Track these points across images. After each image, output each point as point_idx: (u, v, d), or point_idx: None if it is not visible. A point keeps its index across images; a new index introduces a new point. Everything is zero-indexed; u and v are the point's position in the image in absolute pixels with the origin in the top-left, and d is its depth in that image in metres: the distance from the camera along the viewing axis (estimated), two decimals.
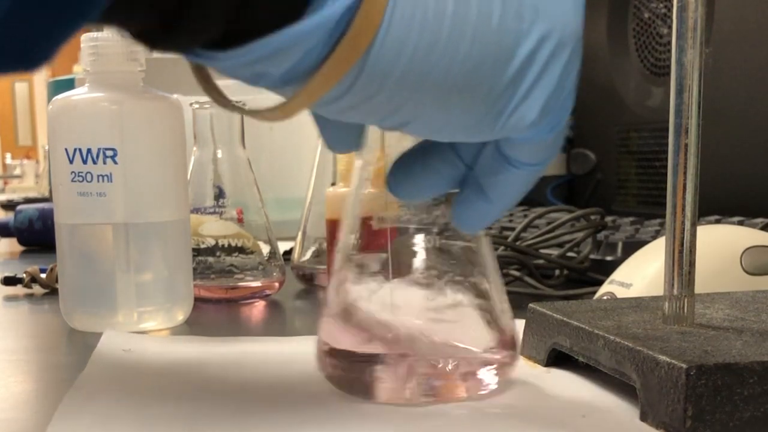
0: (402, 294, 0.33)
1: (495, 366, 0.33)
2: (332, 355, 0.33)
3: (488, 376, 0.33)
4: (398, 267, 0.33)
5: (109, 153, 0.46)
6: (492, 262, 0.34)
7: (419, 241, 0.33)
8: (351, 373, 0.33)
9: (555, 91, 0.26)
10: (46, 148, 1.51)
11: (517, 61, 0.25)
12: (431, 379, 0.32)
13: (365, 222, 0.34)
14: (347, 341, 0.33)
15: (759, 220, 0.61)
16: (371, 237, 0.34)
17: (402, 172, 0.31)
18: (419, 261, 0.33)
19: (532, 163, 0.29)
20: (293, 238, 0.65)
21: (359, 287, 0.34)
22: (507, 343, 0.34)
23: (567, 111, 0.28)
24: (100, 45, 0.47)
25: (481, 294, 0.34)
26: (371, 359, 0.32)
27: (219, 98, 0.28)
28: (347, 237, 0.34)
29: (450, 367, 0.32)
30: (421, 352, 0.32)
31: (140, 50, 0.48)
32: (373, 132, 0.34)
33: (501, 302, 0.34)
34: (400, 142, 0.33)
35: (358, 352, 0.33)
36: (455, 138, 0.27)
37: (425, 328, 0.33)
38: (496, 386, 0.33)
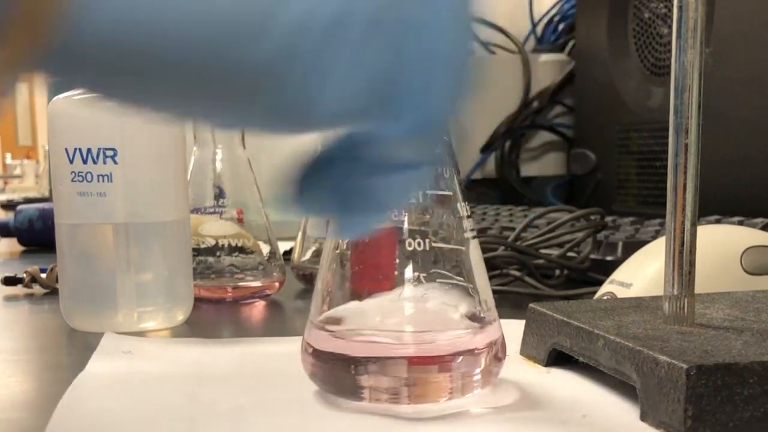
0: (388, 295, 0.33)
1: (481, 368, 0.33)
2: (316, 356, 0.33)
3: (474, 378, 0.33)
4: (387, 269, 0.33)
5: (109, 153, 0.46)
6: (480, 265, 0.34)
7: (408, 243, 0.33)
8: (335, 375, 0.33)
9: (376, 74, 0.21)
10: (46, 148, 1.51)
11: (279, 33, 0.20)
12: (417, 380, 0.32)
13: None
14: (331, 343, 0.33)
15: (759, 220, 0.61)
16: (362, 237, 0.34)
17: (293, 187, 0.26)
18: (407, 263, 0.33)
19: (405, 165, 0.24)
20: (293, 238, 0.65)
21: (345, 288, 0.34)
22: (493, 345, 0.34)
23: (427, 102, 0.22)
24: None
25: (468, 296, 0.34)
26: (356, 361, 0.32)
27: None
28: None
29: (436, 368, 0.32)
30: (407, 353, 0.32)
31: None
32: None
33: (488, 305, 0.34)
34: None
35: (342, 354, 0.32)
36: (264, 130, 0.24)
37: (410, 328, 0.33)
38: (481, 388, 0.33)
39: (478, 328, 0.33)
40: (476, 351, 0.33)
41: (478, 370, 0.33)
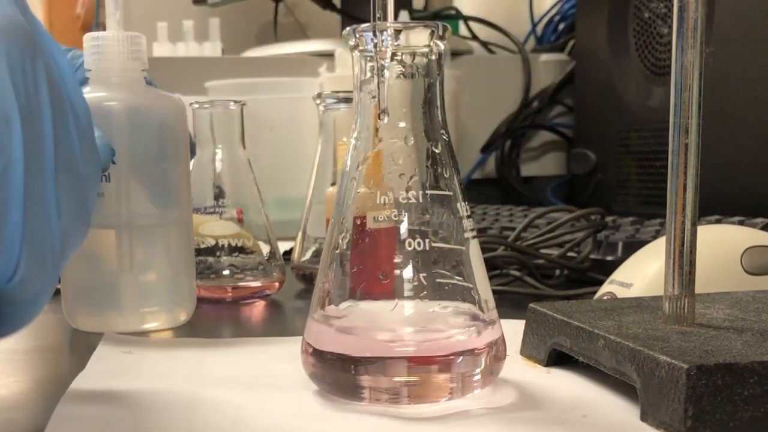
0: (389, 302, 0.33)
1: (481, 369, 0.33)
2: (316, 356, 0.33)
3: (474, 378, 0.33)
4: (387, 269, 0.33)
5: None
6: (480, 265, 0.34)
7: (408, 243, 0.33)
8: (335, 375, 0.32)
9: None
10: None
11: None
12: (417, 380, 0.32)
13: (356, 221, 0.34)
14: (331, 343, 0.33)
15: (759, 220, 0.61)
16: (362, 237, 0.33)
17: None
18: (407, 263, 0.33)
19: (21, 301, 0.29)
20: (293, 238, 0.65)
21: (345, 287, 0.33)
22: (493, 345, 0.33)
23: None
24: (102, 44, 0.47)
25: (468, 297, 0.33)
26: (356, 361, 0.32)
27: None
28: (335, 236, 0.34)
29: (436, 368, 0.32)
30: (407, 353, 0.32)
31: (143, 50, 0.48)
32: (365, 129, 0.34)
33: (488, 305, 0.34)
34: (394, 139, 0.33)
35: (342, 354, 0.32)
36: None
37: (410, 328, 0.33)
38: (481, 389, 0.33)
39: (478, 329, 0.33)
40: (476, 351, 0.33)
41: (478, 371, 0.33)
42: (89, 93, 0.47)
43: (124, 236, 0.47)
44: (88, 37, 0.48)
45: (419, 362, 0.32)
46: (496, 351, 0.34)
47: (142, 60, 0.48)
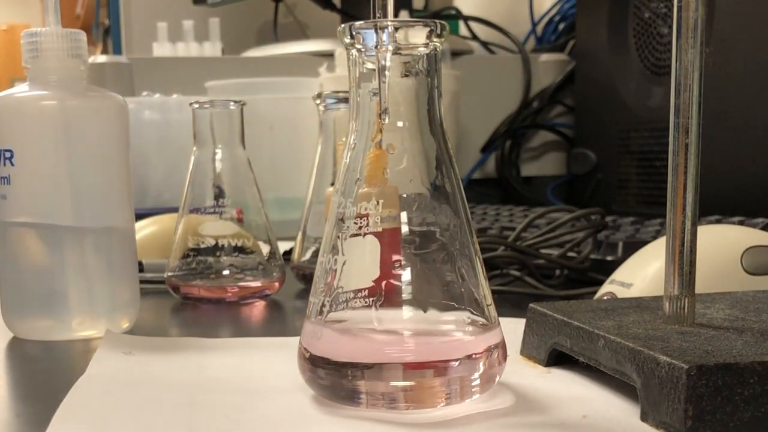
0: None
1: (480, 373, 0.32)
2: (313, 361, 0.33)
3: (473, 383, 0.32)
4: (385, 270, 0.32)
5: (7, 154, 0.45)
6: (481, 268, 0.34)
7: (409, 245, 0.32)
8: (332, 381, 0.32)
9: None
10: None
11: None
12: (413, 385, 0.31)
13: (357, 221, 0.33)
14: (328, 348, 0.32)
15: (759, 220, 0.61)
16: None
17: None
18: (407, 264, 0.32)
19: None
20: (293, 238, 0.65)
21: (341, 291, 0.33)
22: (493, 349, 0.33)
23: None
24: (40, 41, 0.45)
25: (468, 300, 0.33)
26: (352, 366, 0.31)
27: None
28: (334, 237, 0.33)
29: (432, 373, 0.31)
30: (403, 358, 0.31)
31: (84, 47, 0.46)
32: (365, 128, 0.33)
33: (488, 308, 0.33)
34: (397, 138, 0.33)
35: (339, 361, 0.32)
36: None
37: (408, 332, 0.32)
38: (480, 393, 0.33)
39: (477, 332, 0.33)
40: (474, 356, 0.32)
41: (476, 375, 0.32)
42: (27, 92, 0.45)
43: (67, 240, 0.45)
44: (26, 34, 0.46)
45: (416, 367, 0.31)
46: (496, 355, 0.33)
47: (83, 58, 0.46)
